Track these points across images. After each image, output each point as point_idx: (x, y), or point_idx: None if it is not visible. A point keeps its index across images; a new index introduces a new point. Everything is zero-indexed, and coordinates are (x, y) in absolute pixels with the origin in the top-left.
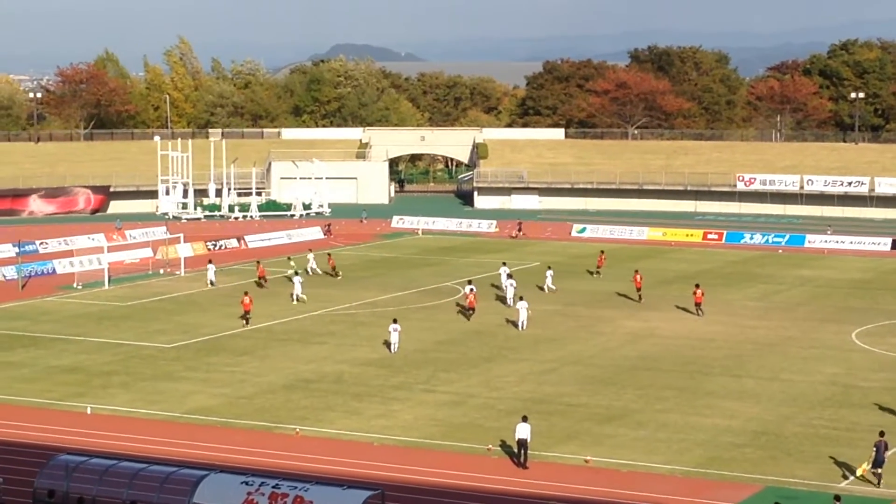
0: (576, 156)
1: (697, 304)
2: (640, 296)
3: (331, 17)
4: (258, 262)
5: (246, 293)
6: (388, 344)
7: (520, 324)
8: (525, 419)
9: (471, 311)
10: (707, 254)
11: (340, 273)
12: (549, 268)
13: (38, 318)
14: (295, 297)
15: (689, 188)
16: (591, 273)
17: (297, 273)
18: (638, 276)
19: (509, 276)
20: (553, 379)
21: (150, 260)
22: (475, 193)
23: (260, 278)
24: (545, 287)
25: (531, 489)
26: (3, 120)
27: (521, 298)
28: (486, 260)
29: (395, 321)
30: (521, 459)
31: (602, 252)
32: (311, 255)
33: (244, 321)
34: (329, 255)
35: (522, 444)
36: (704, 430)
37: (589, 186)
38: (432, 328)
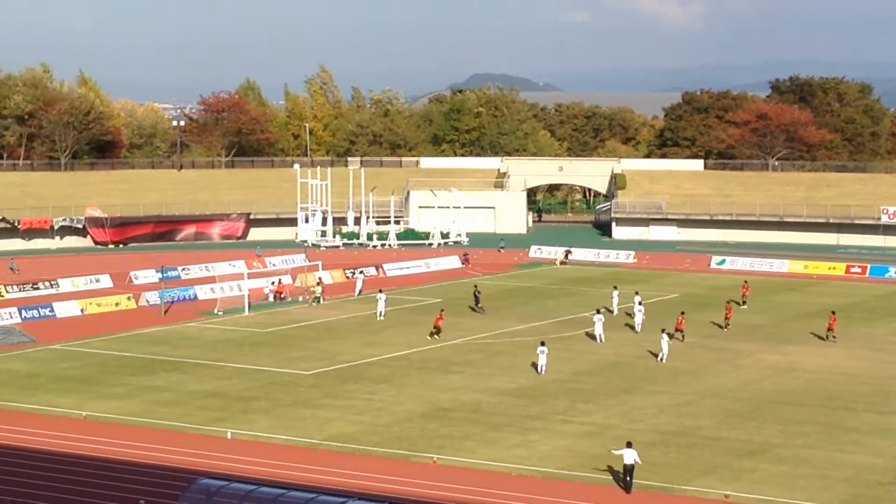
0: (715, 187)
1: (830, 330)
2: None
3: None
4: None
5: (442, 310)
6: (535, 366)
7: (660, 356)
8: (629, 445)
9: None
10: (850, 287)
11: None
12: (637, 293)
13: (180, 343)
14: (598, 336)
15: (831, 220)
16: (738, 303)
17: (598, 311)
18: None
19: (640, 303)
20: (692, 411)
21: (288, 287)
22: (613, 224)
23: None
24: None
25: None
26: (147, 148)
27: (662, 331)
28: (624, 290)
29: (542, 343)
30: (627, 485)
31: (745, 282)
32: (615, 294)
33: (433, 335)
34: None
35: (628, 470)
36: (848, 467)
37: (728, 218)
38: (570, 358)
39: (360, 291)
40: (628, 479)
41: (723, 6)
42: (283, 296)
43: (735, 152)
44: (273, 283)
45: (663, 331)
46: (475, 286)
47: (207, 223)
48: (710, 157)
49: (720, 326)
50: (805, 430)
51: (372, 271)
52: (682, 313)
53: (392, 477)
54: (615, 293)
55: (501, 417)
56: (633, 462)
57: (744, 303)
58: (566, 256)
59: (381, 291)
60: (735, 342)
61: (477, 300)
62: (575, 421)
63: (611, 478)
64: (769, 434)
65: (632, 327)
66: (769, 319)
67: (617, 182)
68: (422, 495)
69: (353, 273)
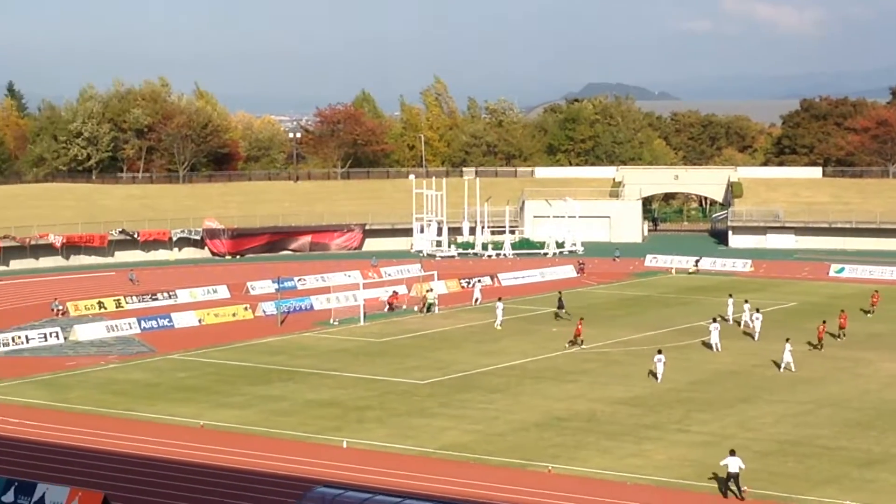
0: (833, 195)
1: (873, 305)
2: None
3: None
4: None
5: (581, 318)
6: (653, 374)
7: (783, 365)
8: (733, 453)
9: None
10: None
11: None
12: (747, 302)
13: (296, 353)
14: (714, 345)
15: None
16: (865, 312)
17: (714, 320)
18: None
19: (756, 310)
20: (810, 421)
21: (405, 296)
22: (730, 232)
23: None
24: (742, 321)
25: None
26: (264, 160)
27: (787, 340)
28: (740, 300)
29: (659, 351)
30: (738, 492)
31: (876, 291)
32: (730, 301)
33: (573, 344)
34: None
35: (734, 477)
36: None
37: (847, 226)
38: (686, 368)
39: (478, 300)
40: (735, 486)
41: (840, 11)
42: (397, 306)
43: (854, 159)
44: (389, 293)
45: (787, 340)
46: (559, 292)
47: (323, 234)
48: (829, 165)
49: (834, 336)
50: None
51: (487, 281)
52: (824, 322)
53: (507, 486)
54: (730, 301)
55: (617, 426)
56: (737, 469)
57: (870, 311)
58: (696, 265)
59: (499, 300)
60: (854, 351)
61: (561, 305)
62: (691, 430)
63: (726, 488)
64: (889, 444)
65: (750, 335)
66: (890, 328)
67: (733, 190)
68: None
69: (469, 283)
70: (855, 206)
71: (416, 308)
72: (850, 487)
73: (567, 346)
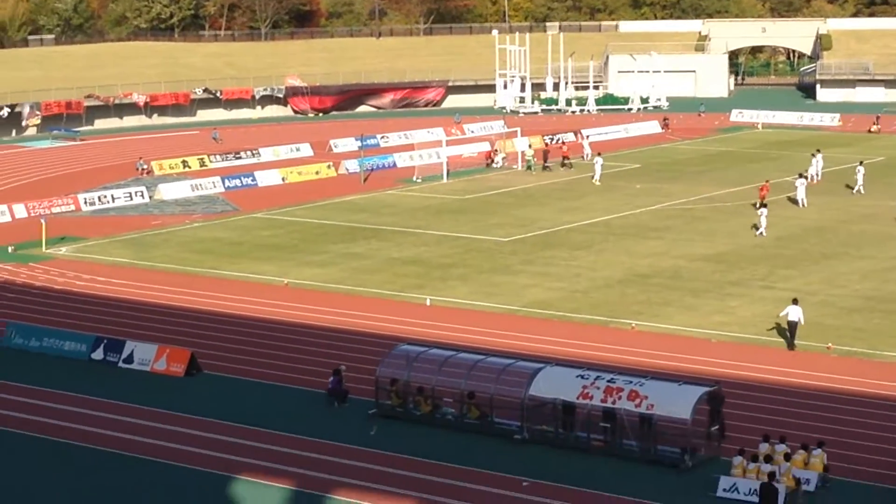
0: None
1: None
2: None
3: None
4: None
5: (767, 180)
6: (756, 227)
7: (800, 200)
8: (795, 301)
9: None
10: None
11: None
12: (861, 163)
13: (379, 211)
14: (800, 200)
15: None
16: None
17: (801, 175)
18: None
19: (860, 163)
20: None
21: (488, 153)
22: (818, 86)
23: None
24: (856, 189)
25: (877, 389)
26: (347, 16)
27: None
28: (829, 154)
29: (763, 205)
30: (791, 341)
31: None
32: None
33: (760, 207)
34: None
35: (792, 326)
36: None
37: None
38: (771, 224)
39: (588, 155)
40: (792, 336)
41: None
42: (492, 161)
43: None
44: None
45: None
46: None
47: (408, 91)
48: None
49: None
50: None
51: (571, 137)
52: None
53: (591, 343)
54: (818, 157)
55: (700, 283)
56: (797, 319)
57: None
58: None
59: (599, 155)
60: None
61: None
62: (776, 287)
63: (815, 344)
64: None
65: (851, 187)
66: None
67: (822, 43)
68: (621, 361)
69: (553, 139)
70: None
71: (515, 166)
72: None
73: (757, 211)
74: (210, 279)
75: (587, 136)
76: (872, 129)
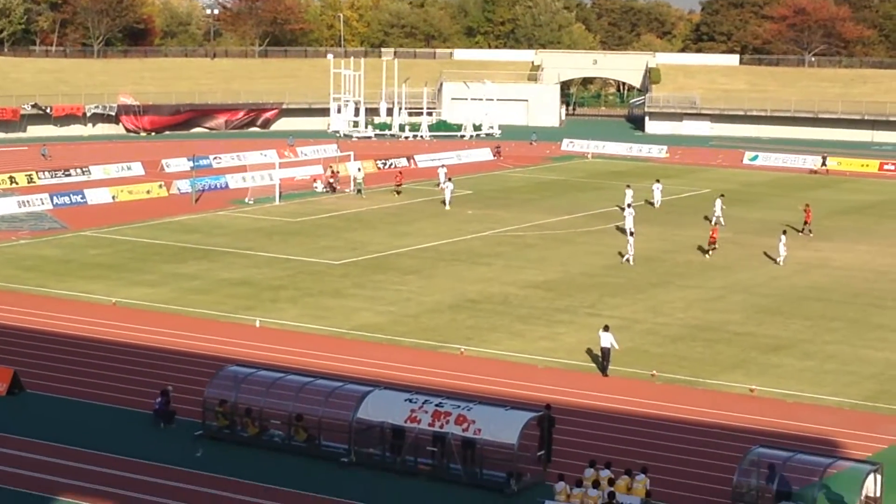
0: (750, 82)
1: (806, 223)
2: (808, 229)
3: None
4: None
5: (716, 225)
6: (622, 255)
7: (780, 260)
8: (607, 328)
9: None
10: (883, 185)
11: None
12: (722, 195)
13: (211, 232)
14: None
15: (866, 117)
16: (799, 231)
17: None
18: (808, 210)
19: (721, 195)
20: (720, 306)
21: (320, 177)
22: (646, 118)
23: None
24: (713, 218)
25: (699, 416)
26: (181, 36)
27: (783, 233)
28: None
29: (631, 233)
30: (604, 367)
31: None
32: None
33: (708, 252)
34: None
35: (605, 352)
36: (875, 363)
37: (762, 114)
38: (600, 252)
39: (440, 184)
40: (605, 362)
41: None
42: (333, 185)
43: (771, 48)
44: (328, 170)
45: (784, 233)
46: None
47: (238, 113)
48: (746, 53)
49: (799, 231)
50: (833, 326)
51: (403, 162)
52: (808, 205)
53: (420, 367)
54: (658, 186)
55: (529, 310)
56: (608, 345)
57: (806, 230)
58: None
59: (449, 180)
60: (766, 238)
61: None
62: (602, 314)
63: (639, 371)
64: (796, 330)
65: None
66: (801, 216)
67: (651, 76)
68: (450, 385)
69: (385, 164)
70: (770, 95)
71: (346, 190)
72: (755, 372)
73: (706, 256)
74: (36, 297)
75: (443, 164)
76: (818, 169)
